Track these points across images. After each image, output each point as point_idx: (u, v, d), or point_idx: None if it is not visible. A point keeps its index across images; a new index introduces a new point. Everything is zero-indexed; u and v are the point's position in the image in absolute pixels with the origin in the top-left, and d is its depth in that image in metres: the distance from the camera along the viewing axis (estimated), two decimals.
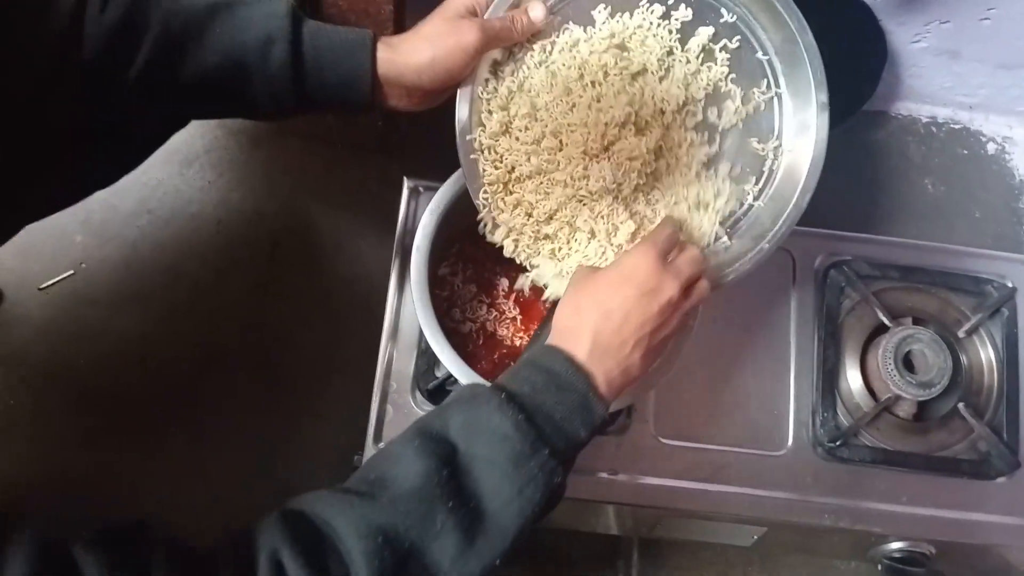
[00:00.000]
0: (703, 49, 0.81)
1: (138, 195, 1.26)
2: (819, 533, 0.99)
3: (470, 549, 0.59)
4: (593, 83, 0.79)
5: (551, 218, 0.80)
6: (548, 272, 0.80)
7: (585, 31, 0.81)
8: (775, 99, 0.83)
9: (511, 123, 0.79)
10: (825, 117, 0.81)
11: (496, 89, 0.79)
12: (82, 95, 0.67)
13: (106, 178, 0.76)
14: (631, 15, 0.81)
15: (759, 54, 0.83)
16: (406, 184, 1.01)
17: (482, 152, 0.79)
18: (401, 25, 0.99)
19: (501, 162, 0.79)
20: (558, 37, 0.80)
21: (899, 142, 1.39)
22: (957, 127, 1.40)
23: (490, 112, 0.79)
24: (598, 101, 0.79)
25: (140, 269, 1.24)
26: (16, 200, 0.70)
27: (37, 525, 0.52)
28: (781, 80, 0.83)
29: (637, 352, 0.69)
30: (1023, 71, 1.25)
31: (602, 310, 0.68)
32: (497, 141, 0.79)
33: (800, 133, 0.82)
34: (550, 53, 0.80)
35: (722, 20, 0.82)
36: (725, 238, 0.83)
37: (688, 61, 0.81)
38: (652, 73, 0.81)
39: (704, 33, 0.81)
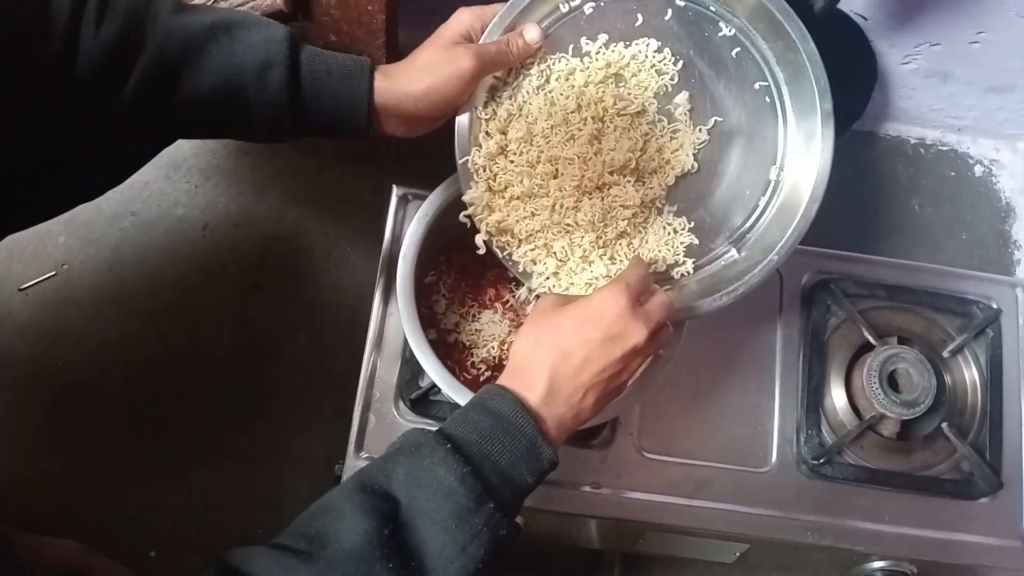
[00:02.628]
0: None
1: (123, 197, 1.25)
2: (802, 551, 0.99)
3: None
4: (593, 118, 0.79)
5: (529, 238, 0.80)
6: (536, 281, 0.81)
7: (581, 60, 0.81)
8: (778, 109, 0.83)
9: (507, 145, 0.79)
10: (831, 125, 0.81)
11: (495, 112, 0.80)
12: (74, 112, 0.66)
13: (93, 191, 0.75)
14: (626, 45, 0.82)
15: (760, 65, 0.83)
16: (395, 192, 1.00)
17: (476, 172, 0.79)
18: (393, 35, 0.99)
19: (495, 181, 0.79)
20: (555, 64, 0.80)
21: (887, 163, 1.39)
22: (945, 149, 1.41)
23: (488, 134, 0.79)
24: (598, 140, 0.79)
25: (123, 272, 1.23)
26: (2, 212, 0.69)
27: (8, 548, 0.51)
28: (784, 89, 0.83)
29: (591, 397, 0.68)
30: (1012, 94, 1.26)
31: (562, 351, 0.67)
32: (494, 161, 0.79)
33: (805, 142, 0.82)
34: (547, 80, 0.80)
35: (720, 33, 0.82)
36: (733, 251, 0.83)
37: (700, 131, 0.82)
38: (655, 123, 0.82)
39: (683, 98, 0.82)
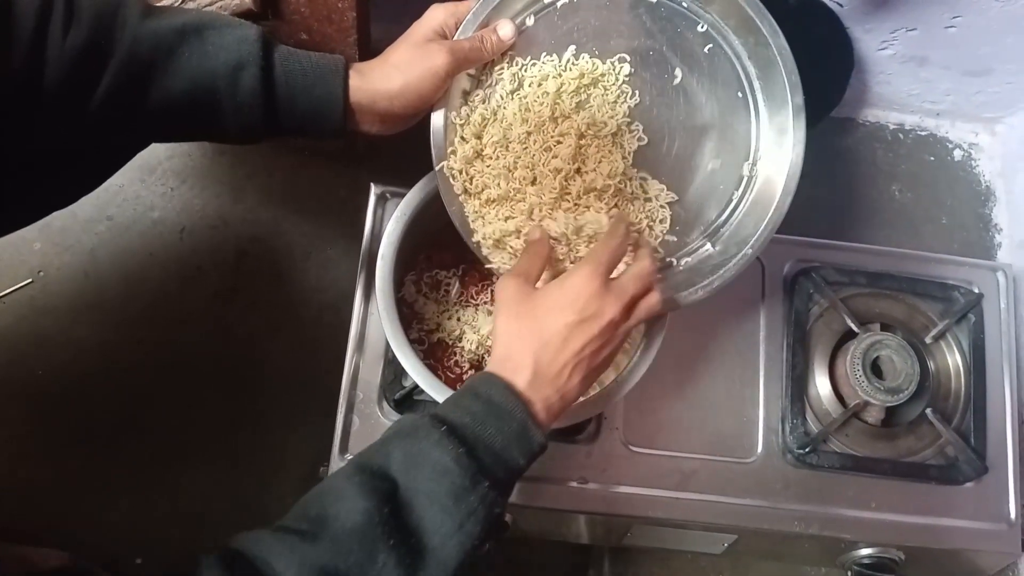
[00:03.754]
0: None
1: (97, 201, 1.23)
2: (789, 540, 0.99)
3: None
4: (576, 134, 0.79)
5: (503, 239, 0.80)
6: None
7: (555, 67, 0.80)
8: (751, 104, 0.83)
9: (483, 150, 0.79)
10: (802, 119, 0.81)
11: (469, 116, 0.79)
12: (44, 122, 0.65)
13: (64, 199, 0.74)
14: (593, 56, 0.81)
15: (732, 60, 0.83)
16: (373, 190, 1.00)
17: (452, 176, 0.79)
18: (365, 32, 0.98)
19: (471, 184, 0.79)
20: (527, 70, 0.80)
21: (866, 148, 1.39)
22: (924, 134, 1.41)
23: (463, 139, 0.79)
24: (581, 159, 0.79)
25: (99, 277, 1.21)
26: None
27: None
28: (756, 84, 0.83)
29: (576, 376, 0.70)
30: (989, 77, 1.26)
31: (541, 337, 0.69)
32: (471, 165, 0.79)
33: (778, 136, 0.82)
34: (520, 85, 0.80)
35: (693, 29, 0.82)
36: (708, 245, 0.83)
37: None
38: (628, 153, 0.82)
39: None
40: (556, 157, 0.78)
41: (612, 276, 0.72)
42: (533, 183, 0.79)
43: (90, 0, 0.66)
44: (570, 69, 0.81)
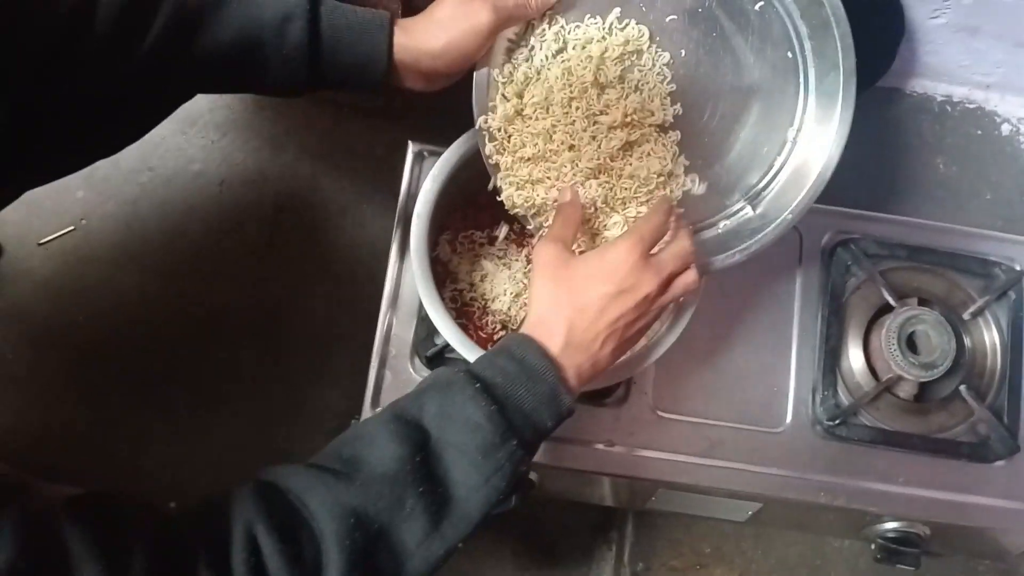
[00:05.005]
0: None
1: (139, 152, 1.25)
2: (814, 511, 0.99)
3: (436, 532, 0.61)
4: (623, 126, 0.78)
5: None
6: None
7: (599, 30, 0.79)
8: (800, 66, 0.82)
9: (523, 110, 0.78)
10: (852, 85, 0.79)
11: (512, 75, 0.78)
12: (92, 67, 0.66)
13: (110, 148, 0.75)
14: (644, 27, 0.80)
15: (784, 19, 0.81)
16: (411, 148, 1.00)
17: (492, 133, 0.79)
18: None
19: (508, 142, 0.79)
20: (571, 33, 0.79)
21: (912, 120, 1.37)
22: (972, 106, 1.38)
23: (505, 97, 0.78)
24: (627, 147, 0.79)
25: (140, 227, 1.23)
26: (20, 168, 0.70)
27: (27, 492, 0.52)
28: (807, 45, 0.81)
29: (609, 345, 0.71)
30: None
31: (577, 305, 0.69)
32: (511, 123, 0.78)
33: (826, 101, 0.81)
34: (564, 47, 0.79)
35: None
36: (749, 209, 0.83)
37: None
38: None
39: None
40: (598, 125, 0.77)
41: (652, 252, 0.73)
42: (571, 149, 0.79)
43: None
44: (615, 34, 0.79)
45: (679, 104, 0.81)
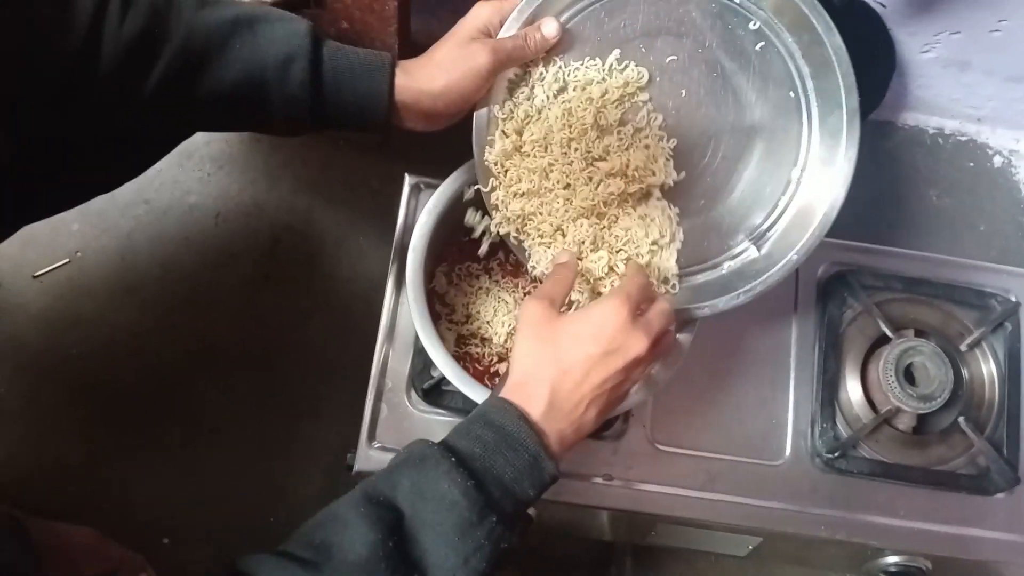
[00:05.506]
0: None
1: (135, 185, 1.21)
2: (815, 545, 0.98)
3: None
4: (623, 177, 0.79)
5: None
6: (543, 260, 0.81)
7: (599, 71, 0.80)
8: (803, 105, 0.82)
9: (522, 147, 0.79)
10: (856, 123, 0.79)
11: (512, 112, 0.79)
12: (97, 106, 0.67)
13: (110, 184, 0.76)
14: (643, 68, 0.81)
15: (785, 58, 0.81)
16: (407, 181, 1.00)
17: (490, 168, 0.80)
18: (406, 23, 0.98)
19: (505, 177, 0.80)
20: (571, 74, 0.79)
21: (905, 153, 1.38)
22: (964, 139, 1.39)
23: (504, 133, 0.79)
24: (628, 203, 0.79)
25: (136, 260, 1.23)
26: (19, 204, 0.70)
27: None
28: (809, 84, 0.81)
29: (593, 410, 0.68)
30: None
31: (562, 366, 0.67)
32: (509, 159, 0.79)
33: (829, 140, 0.81)
34: (564, 88, 0.79)
35: (744, 26, 0.80)
36: (753, 249, 0.83)
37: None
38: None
39: None
40: (595, 168, 0.78)
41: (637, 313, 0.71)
42: (566, 188, 0.79)
43: None
44: (615, 75, 0.80)
45: (683, 172, 0.81)
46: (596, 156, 0.78)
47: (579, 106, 0.78)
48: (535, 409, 0.66)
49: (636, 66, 0.80)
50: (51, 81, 0.64)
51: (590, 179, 0.78)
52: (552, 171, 0.78)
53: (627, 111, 0.80)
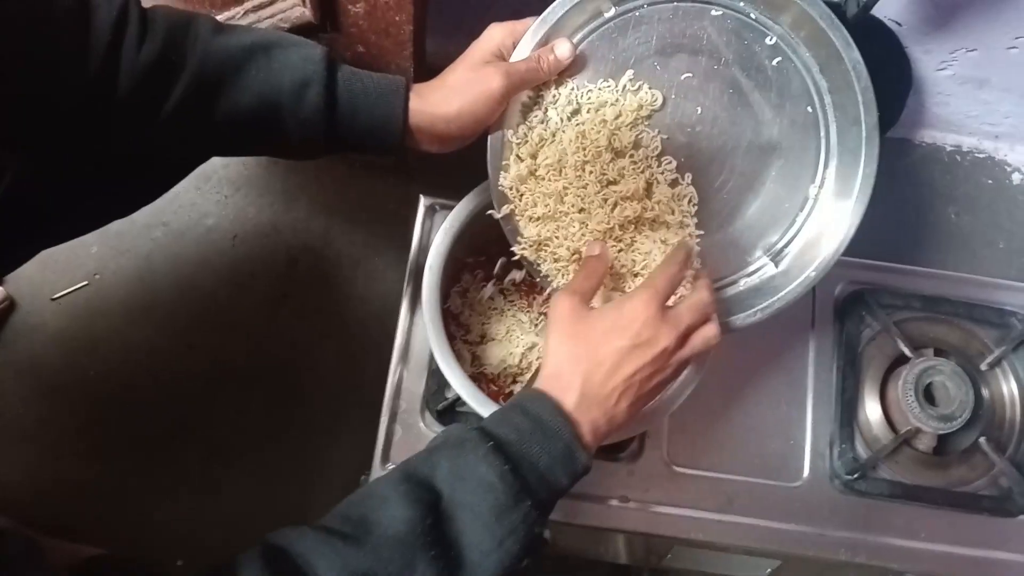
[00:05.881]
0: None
1: (153, 207, 1.22)
2: (834, 568, 0.97)
3: None
4: (634, 220, 0.79)
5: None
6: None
7: (612, 93, 0.80)
8: (820, 121, 0.81)
9: (536, 170, 0.79)
10: (875, 140, 0.78)
11: (526, 136, 0.79)
12: (114, 130, 0.67)
13: (128, 208, 0.77)
14: (657, 91, 0.80)
15: (803, 74, 0.80)
16: (422, 202, 1.00)
17: (505, 193, 0.80)
18: (421, 46, 0.99)
19: (520, 201, 0.80)
20: (584, 96, 0.79)
21: (923, 170, 1.37)
22: (982, 156, 1.38)
23: (520, 158, 0.79)
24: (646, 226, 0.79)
25: (153, 282, 1.24)
26: (39, 228, 0.71)
27: (33, 557, 0.52)
28: (827, 99, 0.81)
29: (625, 401, 0.69)
30: None
31: (594, 359, 0.68)
32: (524, 183, 0.79)
33: (848, 156, 0.80)
34: (578, 109, 0.80)
35: (761, 42, 0.80)
36: (771, 265, 0.82)
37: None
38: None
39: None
40: (610, 190, 0.78)
41: (669, 304, 0.72)
42: (581, 212, 0.79)
43: (164, 14, 0.68)
44: (628, 98, 0.80)
45: (698, 224, 0.81)
46: (611, 179, 0.78)
47: (593, 128, 0.78)
48: (569, 400, 0.67)
49: (650, 88, 0.80)
50: (69, 105, 0.65)
51: (605, 201, 0.78)
52: (567, 194, 0.78)
53: (640, 133, 0.80)
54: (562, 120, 0.79)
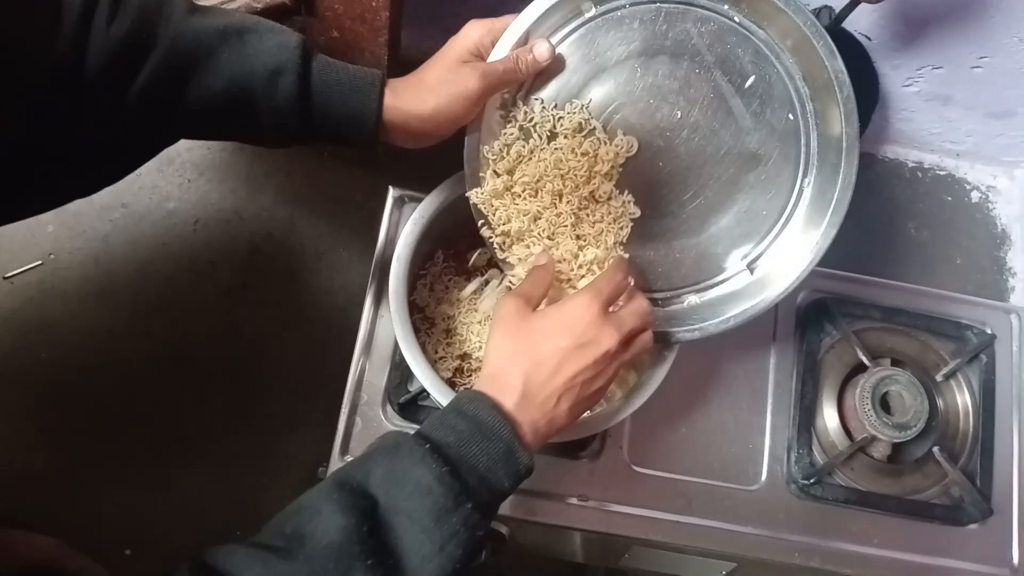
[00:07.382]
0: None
1: (114, 189, 1.19)
2: (789, 571, 0.98)
3: None
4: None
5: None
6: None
7: (584, 111, 0.79)
8: (801, 129, 0.81)
9: (512, 187, 0.79)
10: (855, 150, 0.79)
11: (502, 151, 0.78)
12: (80, 108, 0.65)
13: (88, 188, 0.74)
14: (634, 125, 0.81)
15: (785, 81, 0.80)
16: (391, 193, 0.99)
17: (477, 207, 0.80)
18: (396, 34, 0.98)
19: (494, 216, 0.80)
20: (558, 121, 0.79)
21: (885, 185, 1.39)
22: (943, 173, 1.40)
23: (496, 173, 0.78)
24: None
25: (110, 265, 1.21)
26: None
27: None
28: (808, 107, 0.81)
29: (566, 403, 0.68)
30: (1012, 120, 1.26)
31: (534, 359, 0.68)
32: (500, 198, 0.79)
33: (827, 166, 0.80)
34: (555, 130, 0.79)
35: (744, 47, 0.80)
36: (746, 272, 0.83)
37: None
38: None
39: None
40: (585, 234, 0.80)
41: (611, 310, 0.72)
42: (550, 238, 0.79)
43: None
44: (603, 148, 0.79)
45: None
46: (586, 221, 0.79)
47: (572, 157, 0.78)
48: (508, 400, 0.66)
49: (625, 135, 0.79)
50: (38, 82, 0.63)
51: (576, 239, 0.79)
52: (541, 218, 0.79)
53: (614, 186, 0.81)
54: (540, 138, 0.79)
